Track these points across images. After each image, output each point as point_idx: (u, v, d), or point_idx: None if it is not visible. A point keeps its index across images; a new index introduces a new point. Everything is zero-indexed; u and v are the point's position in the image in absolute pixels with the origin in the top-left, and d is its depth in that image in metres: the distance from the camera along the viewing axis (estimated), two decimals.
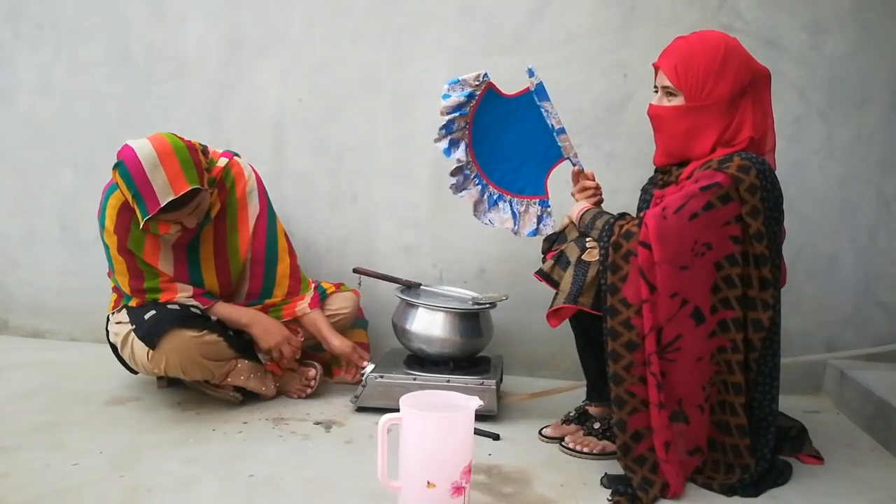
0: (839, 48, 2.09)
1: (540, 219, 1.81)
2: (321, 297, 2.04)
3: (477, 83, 1.74)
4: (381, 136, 2.29)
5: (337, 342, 1.96)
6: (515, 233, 1.82)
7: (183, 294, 1.85)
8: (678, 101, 1.54)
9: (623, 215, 1.54)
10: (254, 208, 1.95)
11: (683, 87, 1.52)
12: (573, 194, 1.76)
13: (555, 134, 1.75)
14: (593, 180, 1.75)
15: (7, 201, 2.49)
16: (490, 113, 1.77)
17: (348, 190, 2.33)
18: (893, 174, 2.13)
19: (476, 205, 1.81)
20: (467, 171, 1.80)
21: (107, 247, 1.83)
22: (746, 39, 1.99)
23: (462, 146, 1.77)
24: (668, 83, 1.54)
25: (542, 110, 1.75)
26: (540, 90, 1.73)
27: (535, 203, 1.82)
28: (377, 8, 2.25)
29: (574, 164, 1.75)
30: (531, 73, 1.73)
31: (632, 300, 1.45)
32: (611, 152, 2.18)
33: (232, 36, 2.32)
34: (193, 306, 1.86)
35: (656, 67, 1.60)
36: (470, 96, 1.74)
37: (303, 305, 1.99)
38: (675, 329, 1.44)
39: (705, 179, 1.46)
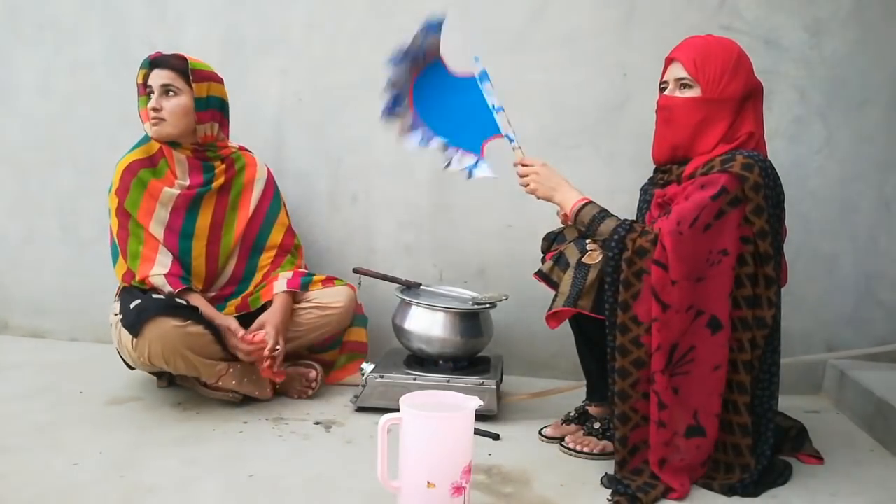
0: (839, 48, 2.09)
1: (475, 165, 1.74)
2: (304, 282, 2.00)
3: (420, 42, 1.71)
4: (381, 136, 2.27)
5: (265, 327, 1.88)
6: (447, 165, 1.75)
7: (158, 270, 1.84)
8: (693, 93, 1.55)
9: (631, 226, 1.49)
10: (257, 194, 2.04)
11: (701, 78, 1.53)
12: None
13: (494, 111, 1.72)
14: (529, 165, 1.67)
15: (7, 201, 2.49)
16: (434, 79, 1.75)
17: (348, 190, 2.33)
18: (893, 174, 2.13)
19: (403, 128, 1.74)
20: (401, 107, 1.75)
21: (109, 210, 1.91)
22: (746, 39, 2.00)
23: (400, 96, 1.74)
24: (684, 75, 1.55)
25: (484, 91, 1.72)
26: (483, 75, 1.72)
27: (470, 155, 1.75)
28: (377, 8, 2.25)
29: (511, 142, 1.70)
30: (476, 60, 1.73)
31: (642, 318, 1.44)
32: (611, 152, 2.18)
33: (232, 36, 2.32)
34: (168, 294, 1.83)
35: (669, 60, 1.60)
36: (414, 58, 1.72)
37: (280, 284, 1.97)
38: (688, 341, 1.44)
39: (711, 187, 1.45)
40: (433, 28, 1.70)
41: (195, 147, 1.94)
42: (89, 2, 2.37)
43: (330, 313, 2.02)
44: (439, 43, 1.73)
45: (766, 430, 1.53)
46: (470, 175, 1.72)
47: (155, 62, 1.88)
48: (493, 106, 1.73)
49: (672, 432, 1.46)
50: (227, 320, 1.88)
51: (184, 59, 1.88)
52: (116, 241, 1.90)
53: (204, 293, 1.96)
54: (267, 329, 1.86)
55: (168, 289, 1.84)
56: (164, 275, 1.85)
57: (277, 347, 1.84)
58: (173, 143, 1.92)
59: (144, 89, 1.90)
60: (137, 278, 1.85)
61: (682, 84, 1.56)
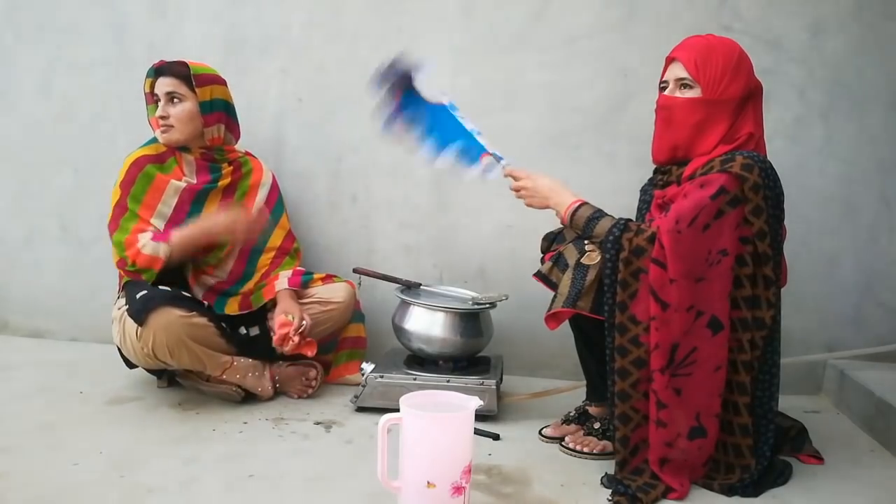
0: (839, 48, 2.09)
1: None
2: (304, 280, 2.04)
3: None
4: (381, 136, 2.28)
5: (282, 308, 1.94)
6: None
7: (143, 240, 1.85)
8: (693, 93, 1.54)
9: (626, 225, 1.51)
10: (261, 198, 2.08)
11: (701, 79, 1.52)
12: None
13: (476, 134, 1.75)
14: (518, 179, 1.70)
15: (7, 201, 2.49)
16: (415, 103, 1.79)
17: (348, 190, 2.33)
18: (893, 174, 2.13)
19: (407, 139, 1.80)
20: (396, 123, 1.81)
21: (110, 202, 1.92)
22: (746, 39, 2.00)
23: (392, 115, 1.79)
24: (685, 75, 1.54)
25: (460, 119, 1.77)
26: (452, 106, 1.79)
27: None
28: (377, 8, 2.25)
29: (500, 160, 1.72)
30: (443, 93, 1.80)
31: (641, 317, 1.45)
32: (611, 152, 2.18)
33: (232, 36, 2.32)
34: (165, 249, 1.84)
35: (670, 59, 1.60)
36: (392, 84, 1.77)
37: (281, 282, 2.01)
38: (690, 342, 1.44)
39: (710, 186, 1.45)
40: (398, 70, 1.75)
41: (203, 150, 1.98)
42: (89, 2, 2.37)
43: (332, 308, 2.03)
44: (410, 77, 1.77)
45: (767, 430, 1.53)
46: (499, 160, 1.73)
47: (159, 70, 1.93)
48: (473, 130, 1.76)
49: (675, 434, 1.45)
50: (230, 213, 1.93)
51: (185, 65, 1.92)
52: (108, 231, 1.91)
53: (201, 279, 1.99)
54: (292, 313, 1.90)
55: (163, 248, 1.84)
56: (150, 238, 1.85)
57: (303, 324, 1.89)
58: (182, 148, 1.97)
59: (152, 98, 1.96)
60: (130, 261, 1.85)
61: (682, 84, 1.56)
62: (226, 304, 1.98)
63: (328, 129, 2.31)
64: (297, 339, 1.87)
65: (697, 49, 1.55)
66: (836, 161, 2.13)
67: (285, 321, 1.88)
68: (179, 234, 1.88)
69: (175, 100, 1.91)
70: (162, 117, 1.91)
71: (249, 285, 2.04)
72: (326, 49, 2.28)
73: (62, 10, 2.39)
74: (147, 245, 1.85)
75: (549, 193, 1.65)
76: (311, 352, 1.92)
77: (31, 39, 2.41)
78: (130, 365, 1.90)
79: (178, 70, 1.92)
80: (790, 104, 2.12)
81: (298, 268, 2.09)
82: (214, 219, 1.92)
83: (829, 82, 2.11)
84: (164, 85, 1.91)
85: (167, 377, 1.98)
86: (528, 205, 1.69)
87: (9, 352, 2.33)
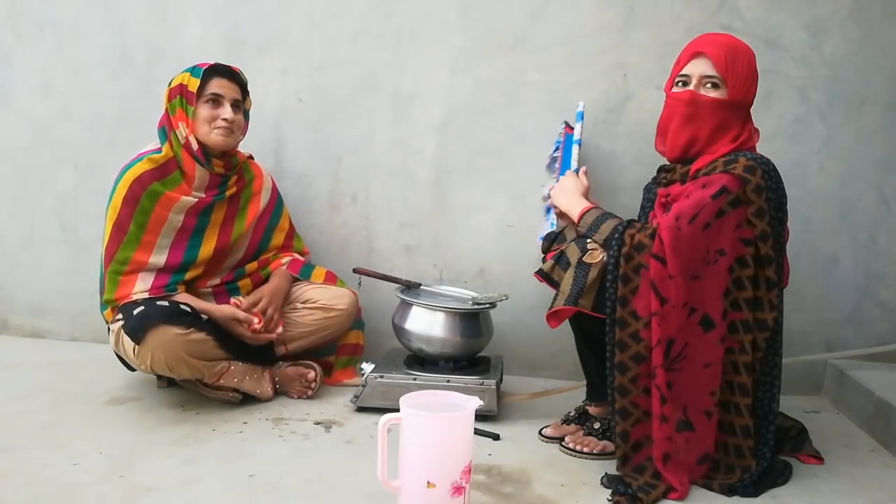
0: (839, 48, 2.09)
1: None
2: (304, 270, 2.08)
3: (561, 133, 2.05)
4: (381, 136, 2.29)
5: (261, 297, 1.95)
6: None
7: (140, 288, 1.83)
8: (719, 93, 1.53)
9: (630, 223, 1.51)
10: (263, 205, 2.08)
11: (730, 79, 1.52)
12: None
13: (575, 144, 1.87)
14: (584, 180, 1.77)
15: (7, 201, 2.49)
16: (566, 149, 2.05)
17: (348, 190, 2.33)
18: (893, 174, 2.13)
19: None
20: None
21: (106, 220, 1.87)
22: (746, 39, 1.98)
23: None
24: (713, 73, 1.53)
25: (576, 129, 1.92)
26: (579, 115, 1.94)
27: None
28: (377, 8, 2.25)
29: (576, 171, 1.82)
30: (579, 105, 1.99)
31: (641, 313, 1.45)
32: (611, 152, 2.18)
33: (232, 36, 2.32)
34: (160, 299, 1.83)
35: (694, 53, 1.56)
36: (557, 147, 2.06)
37: (284, 261, 2.08)
38: (683, 338, 1.45)
39: (712, 186, 1.45)
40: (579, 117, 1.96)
41: (224, 162, 1.95)
42: (89, 2, 2.37)
43: (334, 315, 2.03)
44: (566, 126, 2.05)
45: (768, 431, 1.53)
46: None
47: (220, 72, 1.89)
48: (578, 140, 1.89)
49: (673, 428, 1.46)
50: (225, 310, 1.89)
51: (240, 74, 1.94)
52: (103, 260, 1.87)
53: (208, 279, 1.98)
54: (257, 296, 1.95)
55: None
56: (146, 290, 1.84)
57: (255, 310, 1.91)
58: (205, 160, 1.91)
59: (197, 96, 1.87)
60: (119, 304, 1.82)
61: (709, 82, 1.54)
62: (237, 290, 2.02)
63: (328, 129, 2.31)
64: (256, 322, 1.89)
65: (725, 48, 1.54)
66: (835, 161, 2.13)
67: (235, 301, 1.91)
68: (185, 299, 1.85)
69: (236, 108, 1.90)
70: (228, 121, 1.86)
71: (253, 266, 2.06)
72: (326, 49, 2.28)
73: (62, 10, 2.38)
74: (140, 295, 1.83)
75: (571, 195, 1.69)
76: (273, 333, 1.94)
77: (31, 39, 2.41)
78: (130, 368, 1.90)
79: (240, 78, 1.92)
80: (790, 104, 2.12)
81: (301, 258, 2.13)
82: (216, 309, 1.88)
83: (829, 82, 2.11)
84: (231, 90, 1.89)
85: (167, 378, 1.97)
86: (552, 196, 1.75)
87: (9, 352, 2.33)
